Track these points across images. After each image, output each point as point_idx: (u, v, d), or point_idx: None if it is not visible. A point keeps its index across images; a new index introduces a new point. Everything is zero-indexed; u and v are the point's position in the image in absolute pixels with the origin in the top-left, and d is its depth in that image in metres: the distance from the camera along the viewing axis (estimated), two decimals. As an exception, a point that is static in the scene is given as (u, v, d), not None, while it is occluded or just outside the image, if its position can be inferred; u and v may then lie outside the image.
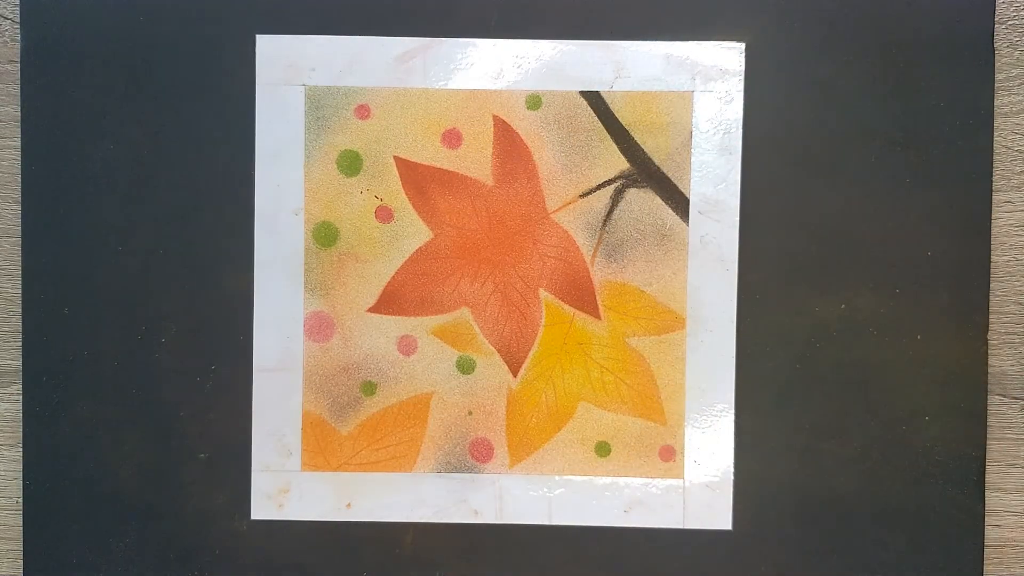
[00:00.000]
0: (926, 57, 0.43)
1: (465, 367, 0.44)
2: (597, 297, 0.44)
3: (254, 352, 0.44)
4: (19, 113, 0.44)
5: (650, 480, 0.44)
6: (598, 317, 0.44)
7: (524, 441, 0.44)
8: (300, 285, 0.44)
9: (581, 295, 0.44)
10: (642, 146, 0.44)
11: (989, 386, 0.44)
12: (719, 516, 0.44)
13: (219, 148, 0.44)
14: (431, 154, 0.44)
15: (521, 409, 0.44)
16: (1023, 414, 0.44)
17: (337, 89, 0.44)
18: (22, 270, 0.44)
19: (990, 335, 0.44)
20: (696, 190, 0.44)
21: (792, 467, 0.44)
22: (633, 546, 0.44)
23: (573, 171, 0.44)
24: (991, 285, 0.44)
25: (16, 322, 0.45)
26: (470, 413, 0.44)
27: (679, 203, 0.44)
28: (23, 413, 0.44)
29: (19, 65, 0.44)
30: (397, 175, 0.44)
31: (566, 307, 0.44)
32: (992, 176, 0.43)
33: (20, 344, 0.44)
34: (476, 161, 0.44)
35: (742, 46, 0.43)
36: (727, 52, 0.43)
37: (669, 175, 0.44)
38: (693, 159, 0.44)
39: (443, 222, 0.44)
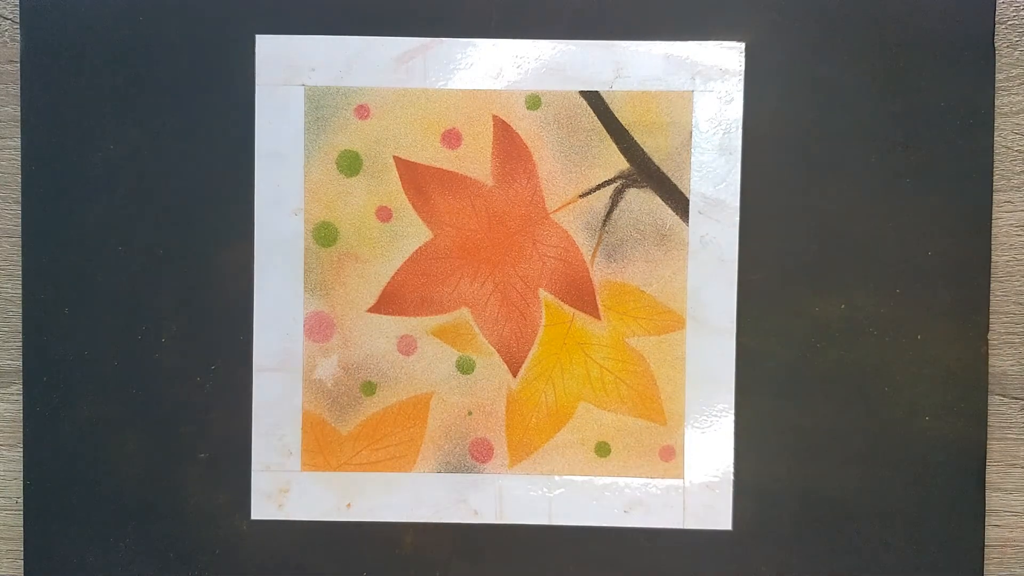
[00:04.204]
0: (926, 57, 0.43)
1: (465, 367, 0.44)
2: (597, 297, 0.44)
3: (254, 352, 0.44)
4: (19, 113, 0.44)
5: (650, 480, 0.44)
6: (598, 317, 0.44)
7: (524, 441, 0.44)
8: (300, 285, 0.44)
9: (581, 295, 0.44)
10: (642, 146, 0.44)
11: (989, 386, 0.44)
12: (719, 516, 0.44)
13: (219, 148, 0.44)
14: (431, 154, 0.44)
15: (521, 409, 0.44)
16: (1023, 414, 0.44)
17: (337, 89, 0.44)
18: (22, 270, 0.44)
19: (990, 335, 0.44)
20: (696, 190, 0.44)
21: (792, 467, 0.44)
22: (633, 546, 0.44)
23: (573, 171, 0.44)
24: (991, 285, 0.44)
25: (16, 322, 0.45)
26: (470, 413, 0.44)
27: (679, 203, 0.44)
28: (23, 413, 0.44)
29: (19, 65, 0.44)
30: (397, 175, 0.44)
31: (566, 307, 0.44)
32: (992, 176, 0.43)
33: (20, 344, 0.44)
34: (476, 161, 0.44)
35: (742, 46, 0.43)
36: (727, 52, 0.43)
37: (669, 175, 0.44)
38: (693, 159, 0.44)
39: (443, 222, 0.44)
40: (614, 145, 0.44)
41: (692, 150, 0.44)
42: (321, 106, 0.44)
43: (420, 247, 0.44)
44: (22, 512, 0.44)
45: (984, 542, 0.44)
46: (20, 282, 0.44)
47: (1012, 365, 0.44)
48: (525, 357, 0.44)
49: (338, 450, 0.44)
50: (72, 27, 0.44)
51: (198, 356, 0.44)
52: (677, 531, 0.44)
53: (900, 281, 0.43)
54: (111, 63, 0.44)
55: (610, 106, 0.44)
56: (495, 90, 0.44)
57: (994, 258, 0.44)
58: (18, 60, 0.44)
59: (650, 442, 0.44)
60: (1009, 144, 0.44)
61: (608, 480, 0.44)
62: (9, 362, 0.45)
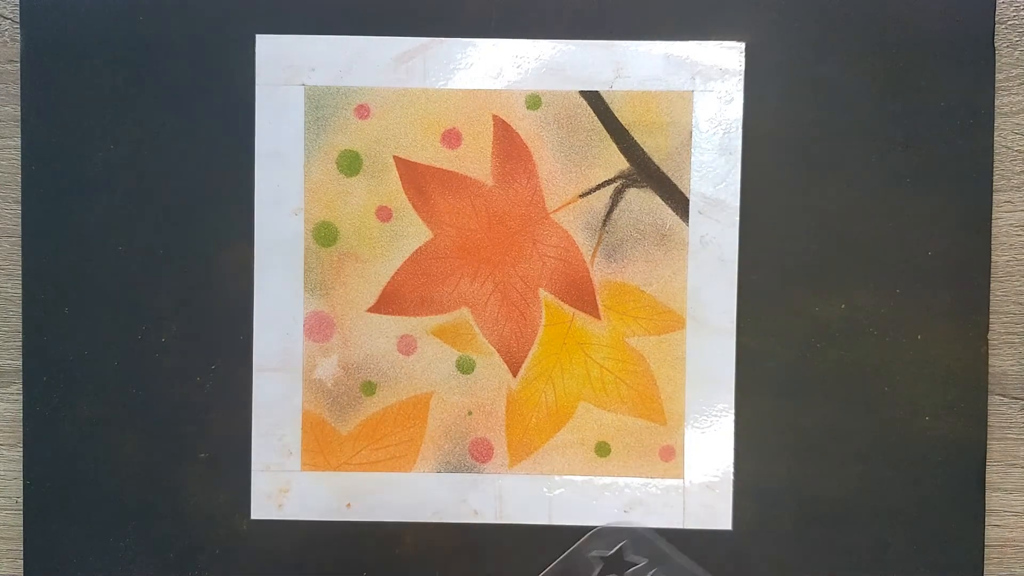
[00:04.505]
0: (926, 57, 0.43)
1: (465, 367, 0.44)
2: (597, 297, 0.44)
3: (254, 352, 0.44)
4: (19, 113, 0.44)
5: (650, 480, 0.44)
6: (598, 317, 0.44)
7: (524, 441, 0.44)
8: (300, 285, 0.44)
9: (581, 295, 0.44)
10: (642, 146, 0.44)
11: (989, 386, 0.44)
12: (719, 516, 0.44)
13: (219, 148, 0.44)
14: (431, 154, 0.44)
15: (521, 409, 0.44)
16: (1023, 414, 0.44)
17: (337, 89, 0.44)
18: (22, 270, 0.44)
19: (990, 335, 0.44)
20: (696, 190, 0.44)
21: (792, 467, 0.44)
22: (633, 546, 0.44)
23: (573, 171, 0.44)
24: (991, 285, 0.44)
25: (16, 322, 0.45)
26: (470, 413, 0.44)
27: (679, 203, 0.44)
28: (23, 413, 0.44)
29: (19, 65, 0.44)
30: (397, 175, 0.44)
31: (566, 307, 0.44)
32: (992, 176, 0.43)
33: (20, 344, 0.44)
34: (476, 161, 0.44)
35: (742, 46, 0.43)
36: (727, 52, 0.43)
37: (669, 175, 0.44)
38: (693, 159, 0.44)
39: (443, 222, 0.44)
40: (614, 145, 0.44)
41: (692, 150, 0.44)
42: (321, 106, 0.44)
43: (420, 247, 0.44)
44: (22, 512, 0.44)
45: (984, 542, 0.44)
46: (20, 282, 0.44)
47: (1012, 365, 0.44)
48: (525, 357, 0.44)
49: (338, 450, 0.44)
50: (72, 27, 0.44)
51: (198, 356, 0.44)
52: (677, 531, 0.44)
53: (900, 281, 0.43)
54: (111, 63, 0.44)
55: (610, 106, 0.44)
56: (495, 90, 0.44)
57: (994, 258, 0.44)
58: (18, 60, 0.44)
59: (650, 442, 0.44)
60: (1009, 144, 0.44)
61: (608, 480, 0.44)
62: (9, 362, 0.45)
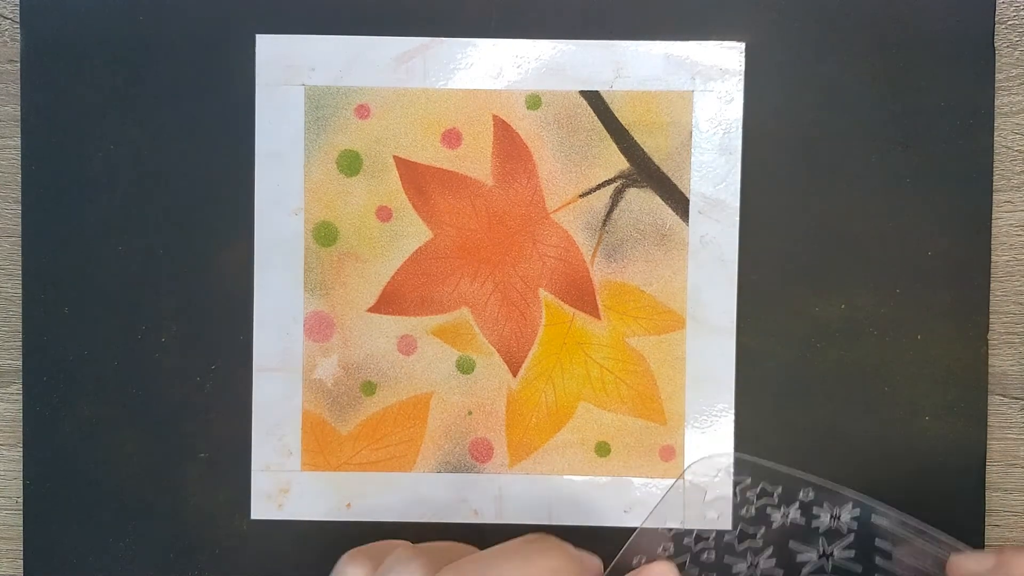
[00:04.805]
0: (926, 57, 0.43)
1: (465, 367, 0.44)
2: (597, 297, 0.44)
3: (254, 352, 0.44)
4: (19, 113, 0.44)
5: (650, 480, 0.44)
6: (598, 317, 0.44)
7: (524, 441, 0.44)
8: (300, 285, 0.44)
9: (581, 295, 0.44)
10: (642, 146, 0.44)
11: (989, 386, 0.44)
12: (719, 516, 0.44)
13: (219, 148, 0.44)
14: (431, 154, 0.44)
15: (521, 409, 0.44)
16: (1023, 414, 0.44)
17: (337, 89, 0.44)
18: (22, 270, 0.44)
19: (990, 335, 0.44)
20: (696, 190, 0.44)
21: (792, 467, 0.44)
22: (633, 546, 0.44)
23: (573, 171, 0.44)
24: (991, 285, 0.44)
25: (16, 322, 0.45)
26: (470, 413, 0.44)
27: (679, 203, 0.44)
28: (23, 413, 0.44)
29: (19, 65, 0.44)
30: (397, 175, 0.44)
31: (566, 307, 0.44)
32: (992, 176, 0.43)
33: (20, 344, 0.44)
34: (476, 161, 0.44)
35: (742, 46, 0.43)
36: (727, 52, 0.43)
37: (669, 175, 0.44)
38: (693, 159, 0.44)
39: (443, 222, 0.44)
40: (614, 145, 0.44)
41: (692, 150, 0.44)
42: (321, 106, 0.44)
43: (420, 247, 0.44)
44: (22, 512, 0.44)
45: (984, 542, 0.44)
46: (20, 282, 0.44)
47: (1012, 365, 0.44)
48: (525, 357, 0.44)
49: (338, 450, 0.44)
50: (72, 27, 0.44)
51: (198, 356, 0.44)
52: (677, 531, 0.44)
53: (900, 281, 0.43)
54: (111, 63, 0.44)
55: (610, 106, 0.44)
56: (495, 90, 0.44)
57: (994, 258, 0.44)
58: (18, 60, 0.44)
59: (650, 442, 0.44)
60: (1009, 144, 0.44)
61: (608, 480, 0.44)
62: (9, 362, 0.45)
